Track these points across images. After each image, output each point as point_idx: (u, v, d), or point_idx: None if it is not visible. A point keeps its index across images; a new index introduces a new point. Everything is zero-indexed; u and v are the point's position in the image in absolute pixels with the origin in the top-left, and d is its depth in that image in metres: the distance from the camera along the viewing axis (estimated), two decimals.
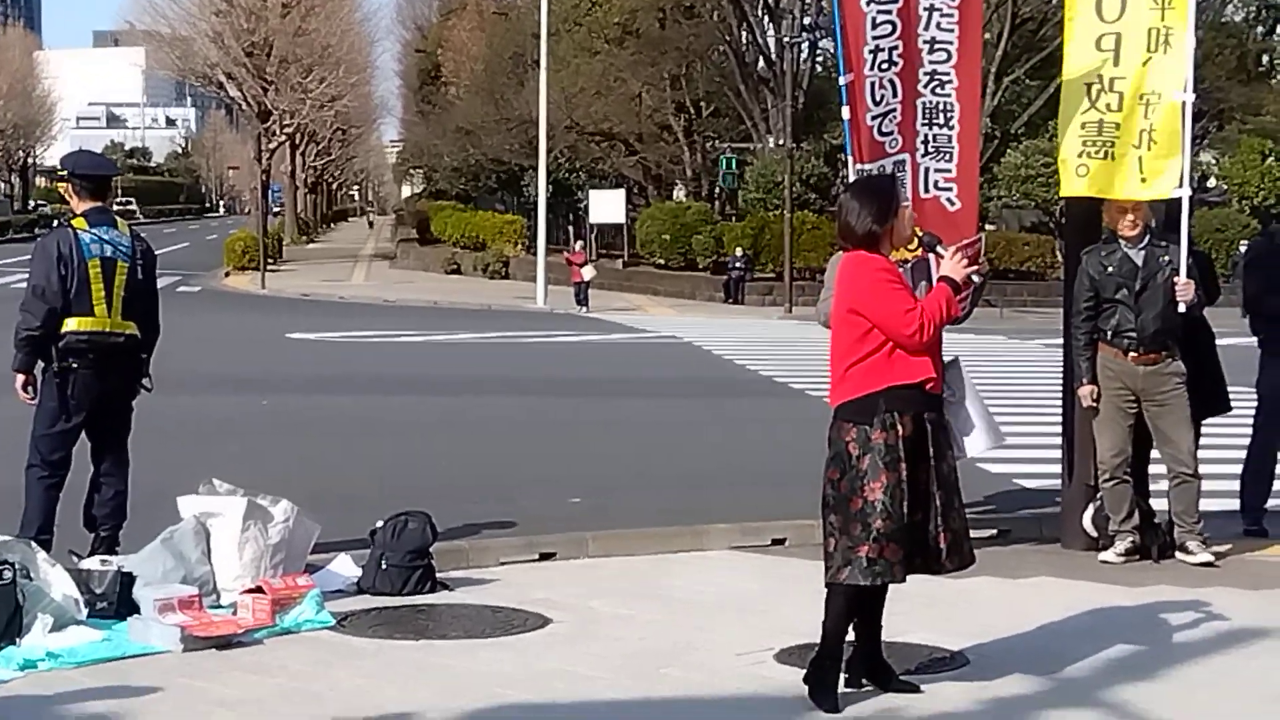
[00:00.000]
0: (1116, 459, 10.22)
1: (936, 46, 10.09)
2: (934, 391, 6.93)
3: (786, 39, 54.43)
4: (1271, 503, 11.39)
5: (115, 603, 8.19)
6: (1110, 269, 10.15)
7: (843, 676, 7.01)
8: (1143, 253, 10.13)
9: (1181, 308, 9.96)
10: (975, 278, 7.09)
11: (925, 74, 10.10)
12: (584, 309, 42.63)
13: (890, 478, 6.76)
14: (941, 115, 10.10)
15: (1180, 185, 9.91)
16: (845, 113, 10.02)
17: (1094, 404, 10.24)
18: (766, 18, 58.29)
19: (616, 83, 60.85)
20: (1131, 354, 10.13)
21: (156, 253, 9.79)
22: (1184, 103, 9.87)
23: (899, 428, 6.79)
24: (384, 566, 9.13)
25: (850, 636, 7.08)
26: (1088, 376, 10.26)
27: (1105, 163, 10.01)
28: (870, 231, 6.92)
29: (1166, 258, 10.04)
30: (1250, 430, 11.35)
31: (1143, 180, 9.96)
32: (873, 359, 6.86)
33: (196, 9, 68.39)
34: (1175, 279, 9.96)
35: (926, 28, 10.08)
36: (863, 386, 6.86)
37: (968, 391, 10.01)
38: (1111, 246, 10.23)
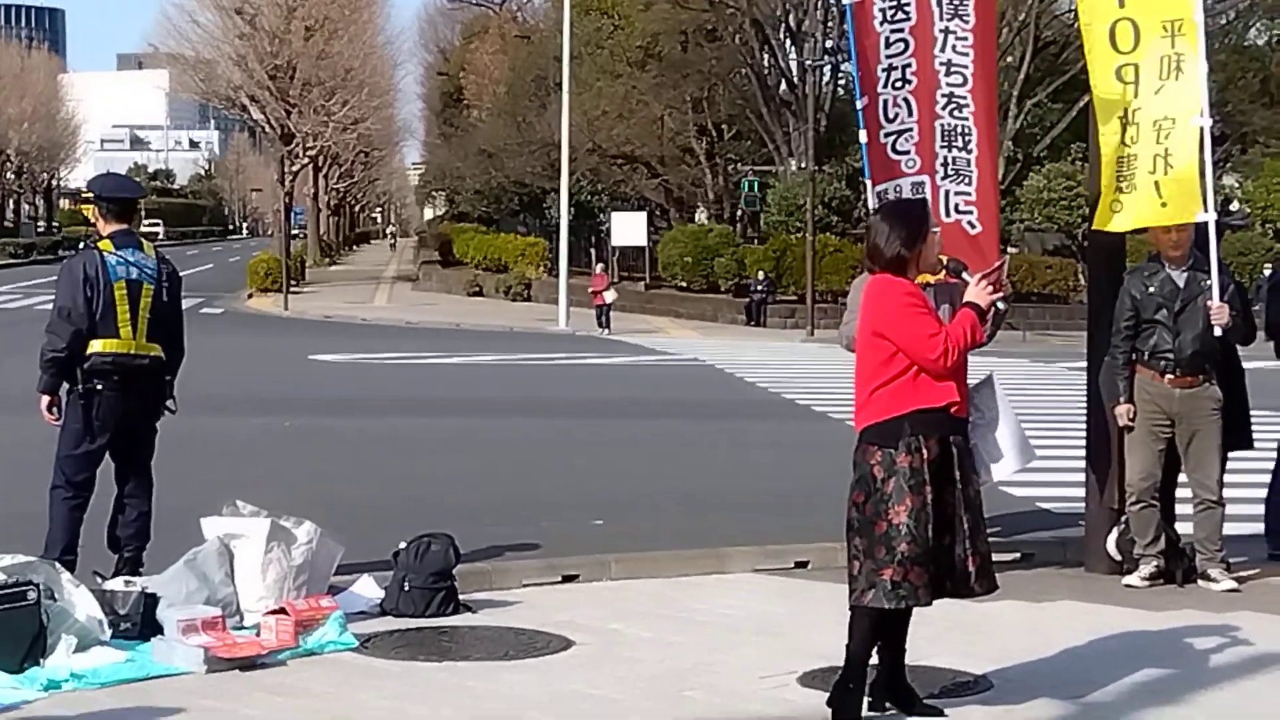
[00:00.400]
0: (1145, 482, 10.18)
1: (953, 69, 10.08)
2: (959, 415, 6.93)
3: (808, 62, 54.45)
4: None
5: (139, 623, 8.19)
6: (1152, 289, 10.14)
7: (866, 700, 7.00)
8: (1185, 275, 10.11)
9: (1217, 331, 9.93)
10: (1000, 304, 7.09)
11: (943, 96, 10.08)
12: (605, 331, 42.65)
13: (915, 501, 6.76)
14: (960, 138, 10.09)
15: (1205, 210, 9.89)
16: (863, 136, 10.07)
17: (1130, 423, 10.22)
18: (788, 41, 58.35)
19: (639, 105, 60.97)
20: (1169, 376, 10.11)
21: (180, 274, 9.81)
22: (1202, 128, 9.85)
23: (924, 451, 6.79)
24: (407, 588, 9.13)
25: (874, 660, 7.07)
26: (1125, 396, 10.24)
27: (1131, 195, 10.02)
28: (898, 255, 6.91)
29: (1208, 281, 10.02)
30: (1276, 454, 11.30)
31: (1163, 205, 9.94)
32: (898, 382, 6.85)
33: (220, 32, 68.68)
34: (1209, 303, 9.94)
35: (942, 50, 10.06)
36: (888, 410, 6.86)
37: (1002, 410, 10.00)
38: (1155, 267, 10.22)
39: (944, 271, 7.77)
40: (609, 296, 44.37)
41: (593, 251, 64.91)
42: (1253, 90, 57.36)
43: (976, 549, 6.90)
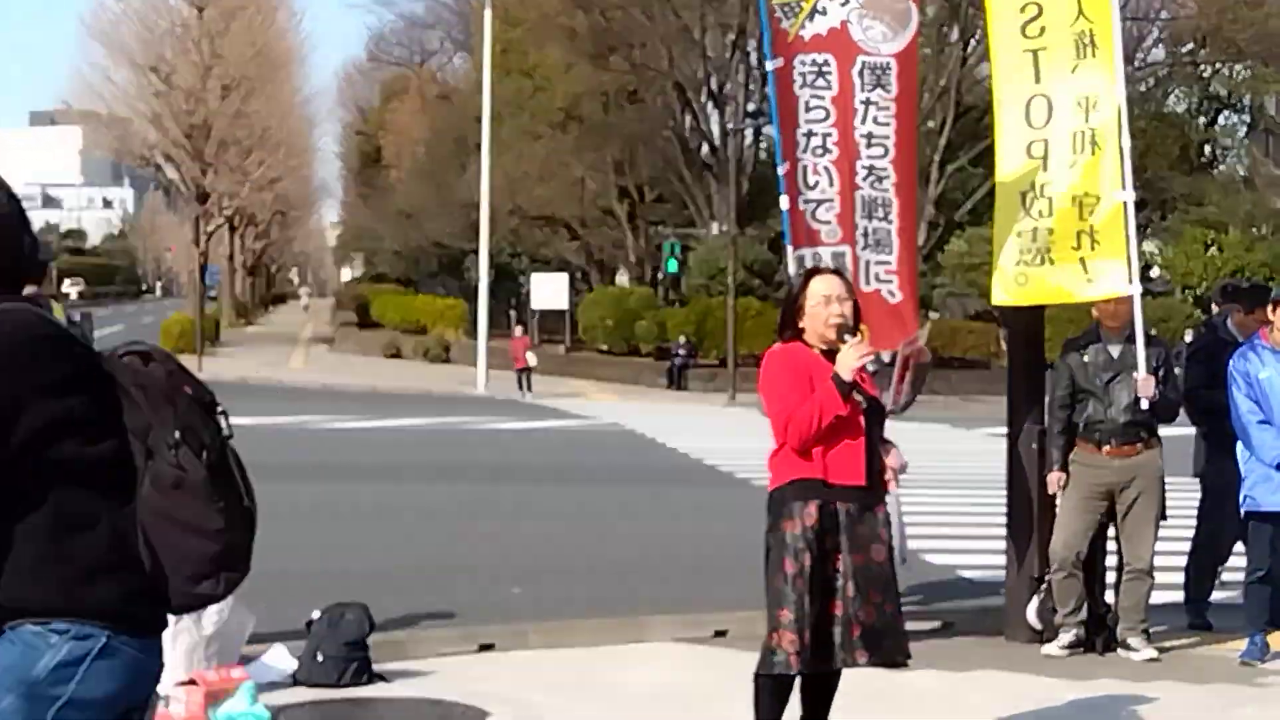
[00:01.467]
0: (1069, 551, 10.18)
1: (874, 141, 10.04)
2: (852, 483, 6.82)
3: (730, 125, 54.78)
4: (1216, 595, 11.37)
5: None
6: (1087, 359, 10.19)
7: None
8: (1120, 347, 10.14)
9: (1143, 404, 9.94)
10: (870, 366, 7.00)
11: (863, 167, 10.02)
12: (527, 395, 42.54)
13: (792, 567, 6.73)
14: (880, 209, 10.06)
15: (1130, 282, 9.90)
16: (784, 202, 9.99)
17: (1059, 490, 10.22)
18: (710, 104, 58.69)
19: (560, 167, 61.04)
20: (1105, 447, 10.12)
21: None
22: (1124, 202, 9.87)
23: (803, 519, 6.75)
24: (320, 658, 8.98)
25: None
26: (1058, 464, 10.26)
27: (1044, 269, 10.02)
28: (782, 321, 6.98)
29: (1140, 352, 10.04)
30: (1194, 523, 11.33)
31: (1089, 280, 9.96)
32: (784, 450, 6.89)
33: (135, 89, 68.17)
34: (1135, 375, 9.95)
35: (863, 122, 10.01)
36: (776, 478, 6.91)
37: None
38: (1091, 338, 10.26)
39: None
40: (530, 360, 44.30)
41: (513, 314, 64.87)
42: (1172, 157, 58.13)
43: (859, 619, 6.76)
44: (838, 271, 7.32)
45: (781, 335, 7.04)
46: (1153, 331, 10.65)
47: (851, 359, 6.78)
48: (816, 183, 9.94)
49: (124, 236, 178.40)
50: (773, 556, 6.81)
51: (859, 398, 6.84)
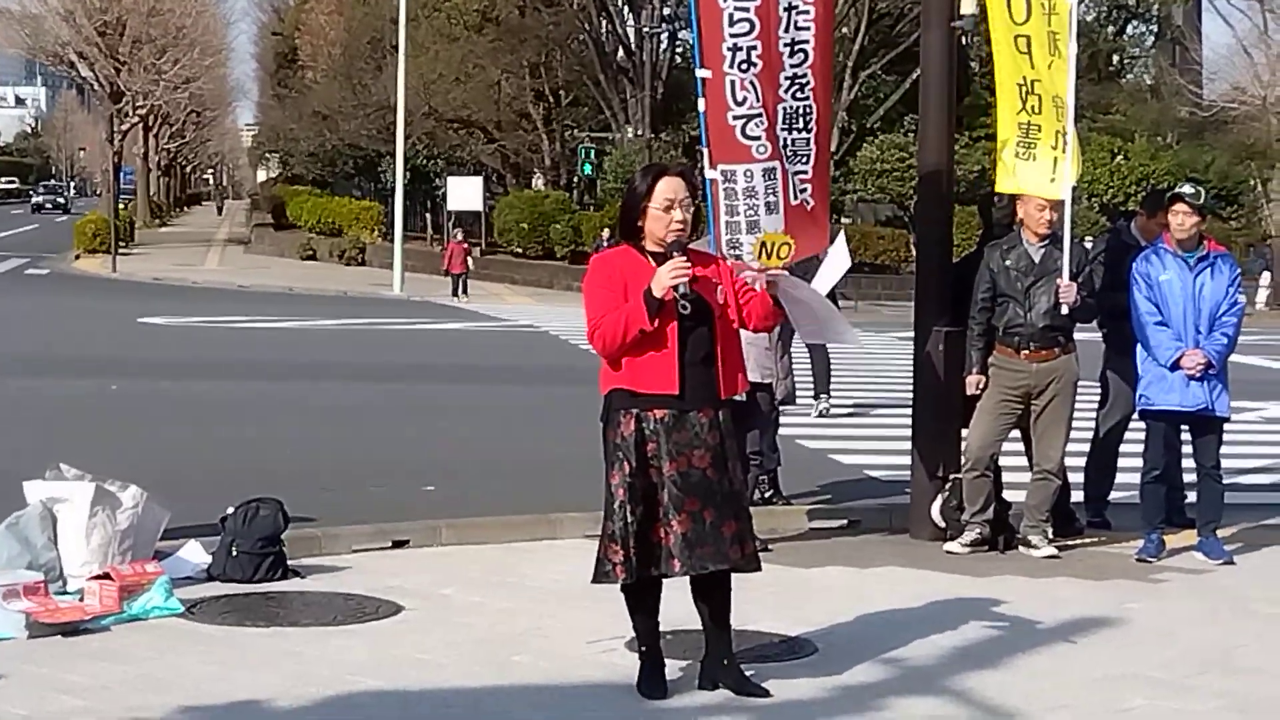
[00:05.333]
0: (984, 452, 10.38)
1: (796, 48, 9.88)
2: (663, 393, 6.77)
3: (646, 29, 54.53)
4: (1113, 494, 11.61)
5: None
6: (1009, 263, 10.32)
7: (696, 681, 7.05)
8: (1042, 251, 10.29)
9: (1064, 309, 10.12)
10: (682, 287, 6.67)
11: (786, 79, 9.86)
12: (463, 299, 42.15)
13: (616, 476, 6.78)
14: (801, 119, 9.98)
15: (1063, 188, 10.18)
16: (701, 105, 9.84)
17: (976, 393, 10.39)
18: (626, 7, 58.34)
19: (475, 70, 60.62)
20: (1024, 351, 10.28)
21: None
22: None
23: (622, 428, 6.79)
24: (234, 553, 9.06)
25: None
26: (977, 367, 10.40)
27: (1029, 163, 10.24)
28: (622, 222, 6.97)
29: (1064, 258, 10.20)
30: (1093, 423, 11.56)
31: (1052, 180, 10.21)
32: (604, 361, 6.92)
33: None
34: (1059, 280, 10.12)
35: (786, 29, 9.84)
36: (602, 385, 6.94)
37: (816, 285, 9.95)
38: (1013, 241, 10.40)
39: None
40: (469, 264, 44.06)
41: (429, 216, 64.57)
42: (1080, 65, 58.25)
43: (670, 526, 6.72)
44: (683, 173, 7.03)
45: (620, 236, 6.99)
46: (1079, 239, 10.82)
47: (665, 278, 6.66)
48: (745, 98, 9.71)
49: (37, 135, 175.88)
50: (606, 465, 6.87)
51: (686, 307, 6.71)
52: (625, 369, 6.84)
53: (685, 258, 6.72)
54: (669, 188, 6.85)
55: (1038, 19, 10.19)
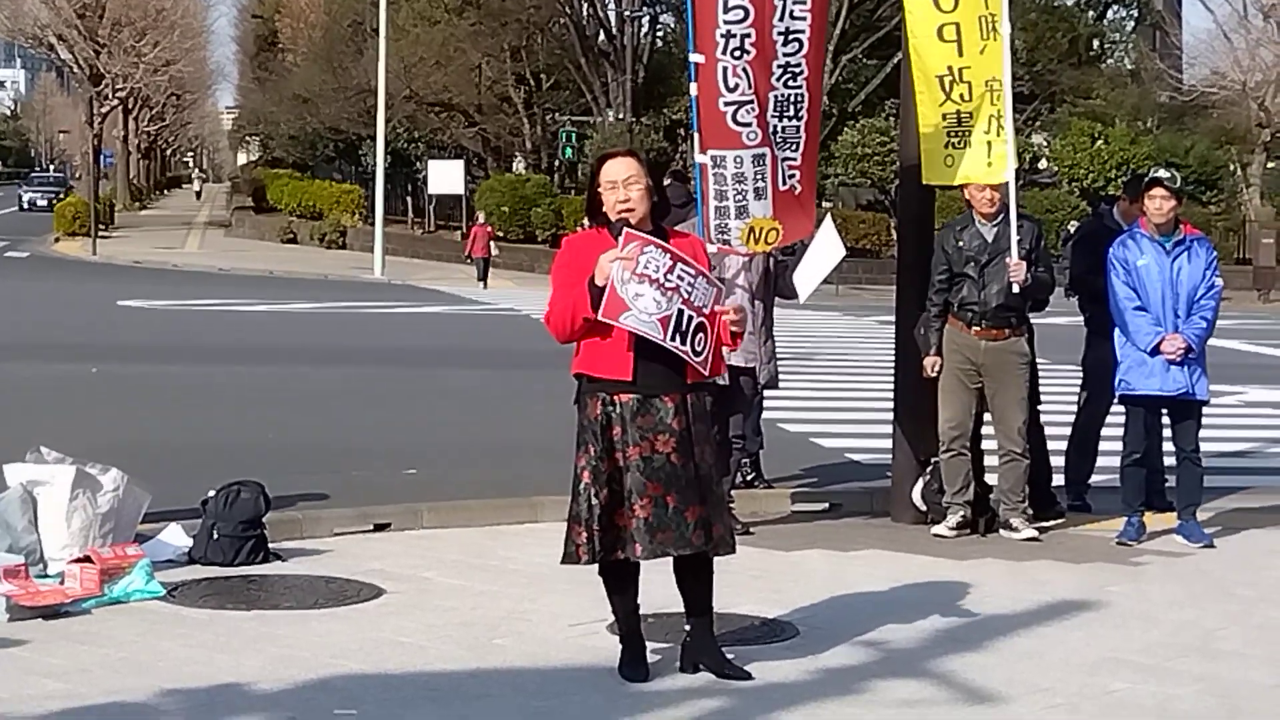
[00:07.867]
0: (955, 431, 10.41)
1: (791, 37, 9.87)
2: (618, 379, 6.79)
3: (627, 13, 54.49)
4: (1095, 478, 11.63)
5: None
6: (962, 243, 10.37)
7: (677, 664, 7.06)
8: (994, 230, 10.33)
9: (1015, 288, 10.15)
10: (624, 273, 6.63)
11: (779, 67, 9.86)
12: (483, 286, 41.60)
13: (582, 459, 6.83)
14: (792, 107, 9.98)
15: (1009, 169, 10.18)
16: (694, 89, 9.81)
17: (934, 375, 10.42)
18: None
19: (456, 53, 60.50)
20: (975, 328, 10.34)
21: None
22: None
23: (590, 411, 6.84)
24: (215, 536, 9.05)
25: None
26: (935, 348, 10.45)
27: (965, 151, 10.24)
28: (588, 206, 6.98)
29: (1017, 236, 10.23)
30: (1075, 407, 11.59)
31: (989, 165, 10.21)
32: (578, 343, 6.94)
33: None
34: (1008, 259, 10.15)
35: (781, 18, 9.83)
36: (573, 367, 6.98)
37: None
38: (965, 221, 10.45)
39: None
40: (493, 250, 43.48)
41: (410, 200, 64.46)
42: (1061, 50, 58.39)
43: (632, 511, 6.72)
44: (632, 152, 7.10)
45: (589, 220, 7.02)
46: (1025, 210, 10.83)
47: (606, 265, 6.66)
48: (737, 85, 9.69)
49: (16, 118, 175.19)
50: (575, 447, 6.91)
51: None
52: (584, 353, 6.90)
53: (637, 243, 6.69)
54: (611, 170, 6.89)
55: (968, 4, 10.14)
